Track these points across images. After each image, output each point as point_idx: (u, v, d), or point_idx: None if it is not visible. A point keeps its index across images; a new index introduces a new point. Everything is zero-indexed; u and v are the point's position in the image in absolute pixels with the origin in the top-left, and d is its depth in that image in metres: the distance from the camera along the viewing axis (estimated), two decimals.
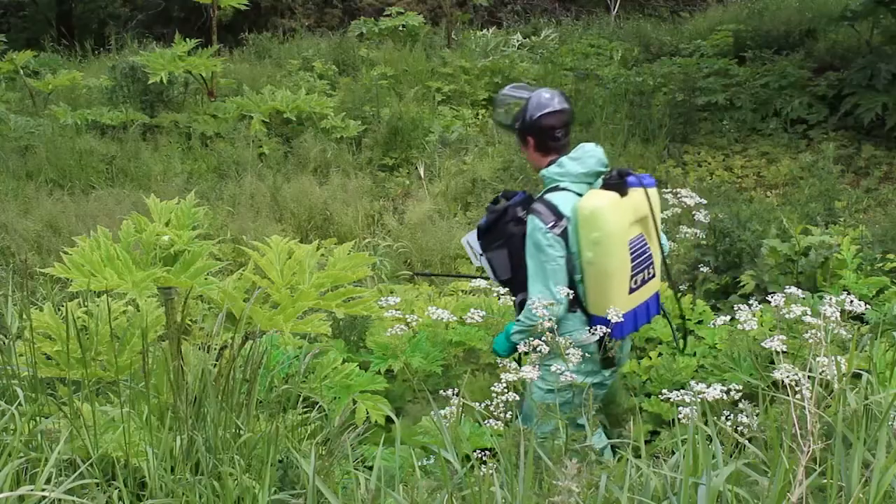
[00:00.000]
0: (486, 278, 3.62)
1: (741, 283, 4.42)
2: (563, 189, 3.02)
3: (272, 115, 8.56)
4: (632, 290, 3.04)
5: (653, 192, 3.11)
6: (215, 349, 2.96)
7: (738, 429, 2.08)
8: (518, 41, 11.99)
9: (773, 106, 8.48)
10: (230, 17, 15.06)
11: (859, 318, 3.76)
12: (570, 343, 2.65)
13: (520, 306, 3.12)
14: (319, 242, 4.45)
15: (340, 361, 3.41)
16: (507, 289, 3.38)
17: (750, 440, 2.02)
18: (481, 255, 3.26)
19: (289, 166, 7.77)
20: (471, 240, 3.36)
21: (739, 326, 2.62)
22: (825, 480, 1.77)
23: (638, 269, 3.03)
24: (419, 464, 2.71)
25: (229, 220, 6.40)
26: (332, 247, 4.47)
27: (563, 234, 2.95)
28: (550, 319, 2.62)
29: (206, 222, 5.89)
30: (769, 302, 2.60)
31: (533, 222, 2.97)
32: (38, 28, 16.07)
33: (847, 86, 8.17)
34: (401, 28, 11.63)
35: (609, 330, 2.86)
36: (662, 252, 3.22)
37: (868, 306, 2.90)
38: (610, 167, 3.08)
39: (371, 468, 2.23)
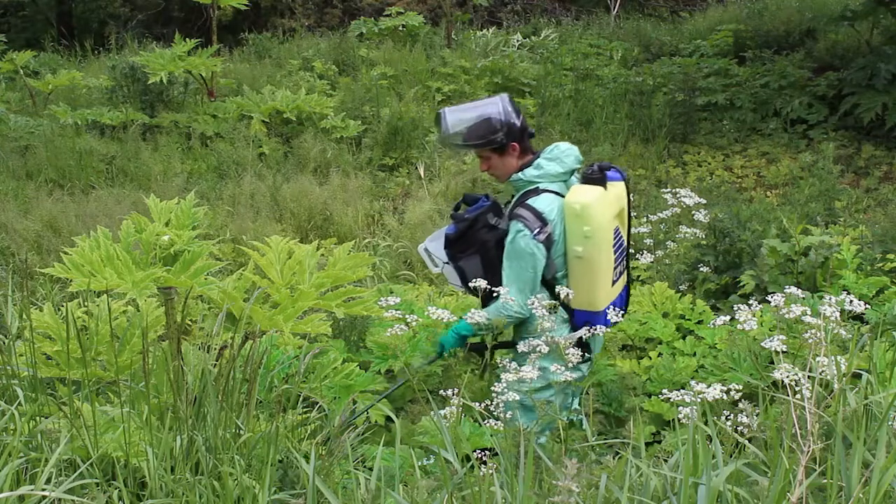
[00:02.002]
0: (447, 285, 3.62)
1: (741, 283, 4.42)
2: (543, 191, 3.05)
3: (272, 115, 8.57)
4: (613, 283, 3.12)
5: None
6: (215, 349, 2.96)
7: (738, 429, 2.08)
8: (518, 41, 11.99)
9: (773, 106, 8.48)
10: (230, 17, 15.07)
11: (859, 318, 3.76)
12: (551, 342, 2.72)
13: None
14: (319, 242, 4.45)
15: (340, 361, 3.41)
16: (474, 295, 3.39)
17: (750, 440, 2.02)
18: (446, 263, 3.25)
19: (289, 166, 7.77)
20: (430, 247, 3.32)
21: (739, 326, 2.62)
22: (825, 480, 1.77)
23: (617, 262, 3.11)
24: (419, 464, 2.71)
25: (229, 220, 6.40)
26: (332, 247, 4.48)
27: (547, 241, 2.99)
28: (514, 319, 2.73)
29: (206, 222, 5.89)
30: (769, 302, 2.60)
31: (517, 228, 2.99)
32: (38, 28, 16.06)
33: (847, 86, 8.17)
34: (401, 28, 11.63)
35: (590, 330, 2.95)
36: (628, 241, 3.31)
37: (868, 306, 2.90)
38: (584, 163, 3.15)
39: (371, 468, 2.23)
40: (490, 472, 1.97)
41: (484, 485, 1.93)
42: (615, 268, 3.10)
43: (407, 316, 3.25)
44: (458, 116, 3.13)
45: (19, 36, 15.46)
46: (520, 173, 3.10)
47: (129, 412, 2.35)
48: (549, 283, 3.07)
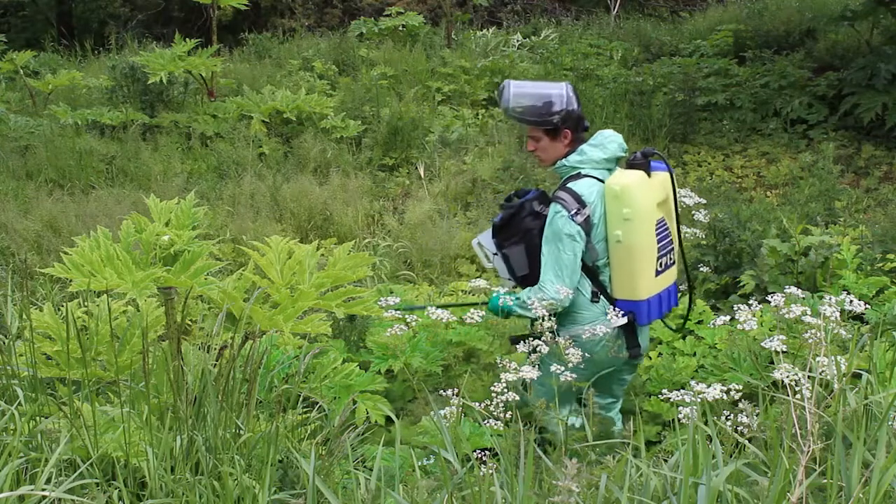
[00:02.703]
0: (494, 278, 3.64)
1: (741, 283, 4.42)
2: (584, 176, 3.06)
3: (272, 115, 8.56)
4: (657, 273, 3.08)
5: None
6: (215, 349, 2.96)
7: (738, 429, 2.08)
8: (518, 41, 11.98)
9: (773, 106, 8.48)
10: (230, 17, 15.06)
11: (859, 318, 3.76)
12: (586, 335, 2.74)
13: None
14: (319, 242, 4.45)
15: (340, 361, 3.41)
16: (521, 285, 3.36)
17: (750, 440, 2.02)
18: (495, 254, 3.28)
19: (289, 166, 7.77)
20: (483, 240, 3.36)
21: (739, 326, 2.62)
22: (825, 480, 1.77)
23: (661, 253, 3.08)
24: (419, 464, 2.71)
25: (229, 220, 6.40)
26: (332, 247, 4.48)
27: (585, 223, 2.99)
28: (551, 316, 2.69)
29: (206, 222, 5.89)
30: (769, 302, 2.60)
31: (555, 209, 3.01)
32: (38, 28, 16.06)
33: (847, 86, 8.17)
34: (401, 28, 11.63)
35: (620, 319, 2.87)
36: (680, 238, 3.27)
37: (868, 306, 2.90)
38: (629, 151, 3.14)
39: (371, 468, 2.22)
40: (490, 472, 1.97)
41: (484, 485, 1.93)
42: (659, 258, 3.06)
43: (407, 316, 3.26)
44: (521, 91, 3.15)
45: (19, 36, 15.46)
46: (563, 159, 3.13)
47: (129, 412, 2.35)
48: (590, 270, 3.07)
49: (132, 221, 2.89)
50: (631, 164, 3.05)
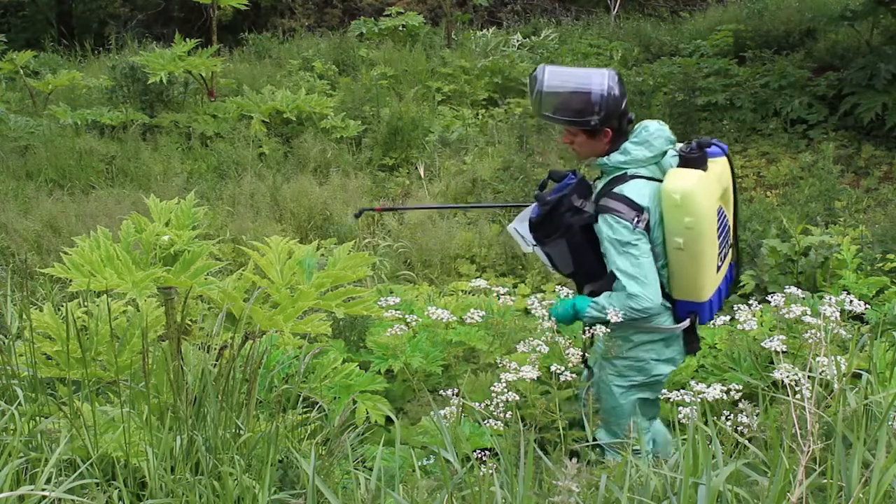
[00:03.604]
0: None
1: (741, 283, 4.42)
2: (632, 177, 2.78)
3: (272, 115, 8.56)
4: (718, 268, 2.88)
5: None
6: (215, 349, 2.96)
7: (738, 429, 2.08)
8: (518, 41, 11.98)
9: (773, 106, 8.48)
10: (230, 17, 15.07)
11: (859, 318, 3.76)
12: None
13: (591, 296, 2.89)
14: (319, 242, 4.45)
15: (340, 361, 3.41)
16: (568, 277, 3.09)
17: (750, 440, 2.02)
18: (535, 245, 3.01)
19: (288, 166, 7.77)
20: (519, 229, 3.06)
21: (739, 326, 2.62)
22: (825, 480, 1.77)
23: (721, 247, 2.85)
24: (419, 464, 2.71)
25: (229, 220, 6.40)
26: (331, 247, 4.47)
27: (646, 227, 2.73)
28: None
29: (206, 222, 5.89)
30: (769, 302, 2.60)
31: (611, 222, 2.72)
32: (38, 28, 16.06)
33: (847, 86, 8.17)
34: (401, 28, 11.63)
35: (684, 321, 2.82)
36: (736, 220, 3.03)
37: (868, 306, 2.90)
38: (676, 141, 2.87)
39: (371, 468, 2.22)
40: (490, 472, 1.97)
41: (484, 485, 1.93)
42: (720, 253, 2.83)
43: (407, 316, 3.25)
44: (557, 79, 2.77)
45: (19, 36, 15.46)
46: (605, 158, 2.82)
47: (129, 412, 2.35)
48: None
49: (132, 221, 2.89)
50: (686, 160, 2.71)
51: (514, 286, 5.30)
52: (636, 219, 2.70)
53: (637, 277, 2.72)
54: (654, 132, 2.80)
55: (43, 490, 1.93)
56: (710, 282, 2.83)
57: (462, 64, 10.17)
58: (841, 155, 7.60)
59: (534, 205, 3.02)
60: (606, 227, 2.74)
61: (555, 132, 8.15)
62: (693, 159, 2.69)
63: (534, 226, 2.94)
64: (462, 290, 4.78)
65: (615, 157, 2.80)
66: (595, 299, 2.82)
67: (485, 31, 12.50)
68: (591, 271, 2.88)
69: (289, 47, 12.12)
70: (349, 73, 10.51)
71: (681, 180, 2.67)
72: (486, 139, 8.35)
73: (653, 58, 10.93)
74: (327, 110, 8.64)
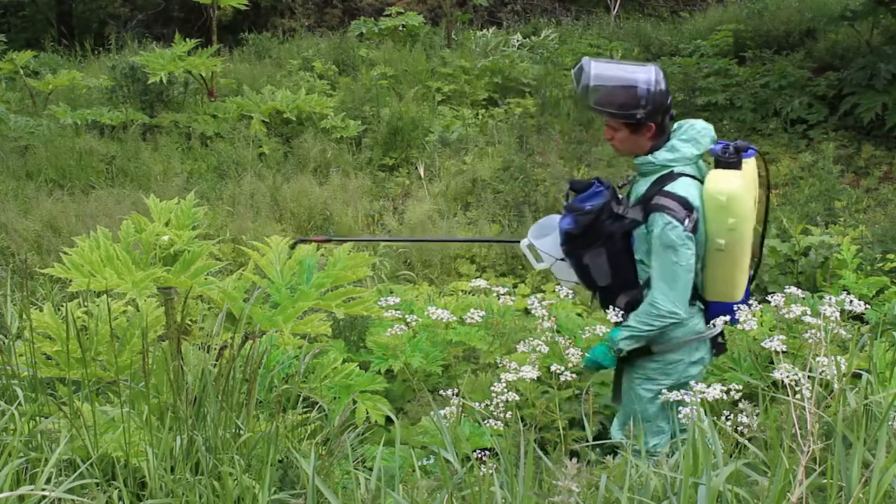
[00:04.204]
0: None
1: None
2: (679, 175, 2.76)
3: (272, 115, 8.56)
4: (750, 268, 2.91)
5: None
6: (215, 349, 2.96)
7: (738, 429, 2.08)
8: (518, 41, 11.98)
9: (773, 106, 8.48)
10: (230, 17, 15.06)
11: (859, 318, 3.77)
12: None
13: (625, 309, 2.87)
14: None
15: (340, 361, 3.41)
16: (591, 290, 3.00)
17: (750, 440, 2.02)
18: (559, 259, 2.98)
19: (288, 166, 7.77)
20: (538, 244, 3.00)
21: (739, 326, 2.62)
22: (825, 480, 1.77)
23: (753, 247, 2.88)
24: (419, 464, 2.71)
25: (229, 220, 6.40)
26: (331, 247, 4.47)
27: (694, 228, 2.72)
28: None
29: (206, 222, 5.89)
30: (769, 302, 2.60)
31: (664, 219, 2.69)
32: (38, 28, 16.06)
33: (847, 85, 8.17)
34: (401, 28, 11.63)
35: (724, 319, 2.79)
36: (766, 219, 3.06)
37: (868, 306, 2.90)
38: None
39: (371, 468, 2.22)
40: (490, 472, 1.97)
41: (484, 485, 1.93)
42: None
43: (407, 316, 3.25)
44: (603, 73, 2.75)
45: (19, 36, 15.46)
46: (650, 156, 2.79)
47: (129, 412, 2.35)
48: None
49: (132, 221, 2.89)
50: (725, 163, 2.70)
51: (514, 286, 5.30)
52: (687, 218, 2.69)
53: (667, 281, 2.71)
54: (700, 130, 2.80)
55: (43, 490, 1.93)
56: (743, 282, 2.84)
57: (462, 64, 10.17)
58: (841, 155, 7.60)
59: (547, 218, 3.00)
60: (656, 227, 2.71)
61: (555, 132, 8.16)
62: (731, 162, 2.70)
63: (571, 237, 2.85)
64: (462, 290, 4.78)
65: (663, 155, 2.77)
66: (624, 325, 2.82)
67: (485, 31, 12.50)
68: (628, 280, 2.86)
69: (289, 47, 12.12)
70: (349, 73, 10.51)
71: (725, 182, 2.68)
72: (486, 139, 8.35)
73: (653, 58, 10.93)
74: (327, 110, 8.64)
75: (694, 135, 2.79)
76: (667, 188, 2.73)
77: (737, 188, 2.67)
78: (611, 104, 2.75)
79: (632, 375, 2.96)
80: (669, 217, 2.68)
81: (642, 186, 2.84)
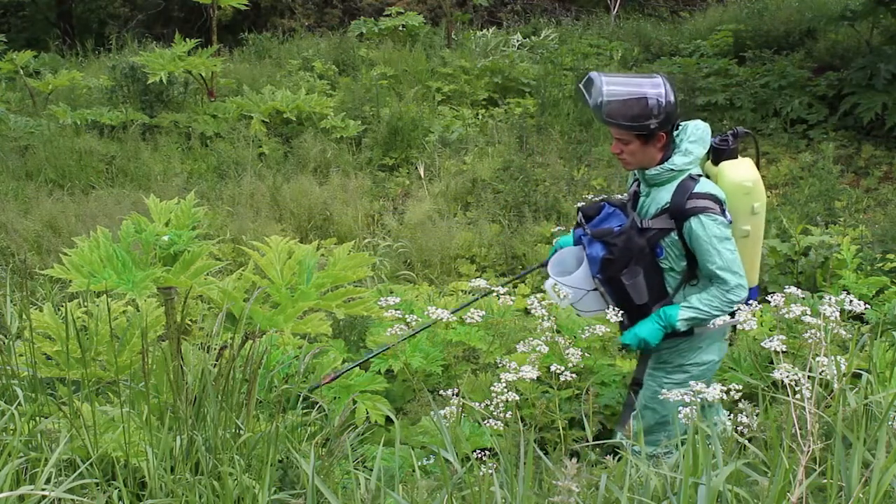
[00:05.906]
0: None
1: None
2: (697, 175, 2.84)
3: (272, 115, 8.56)
4: None
5: None
6: (215, 349, 2.96)
7: (738, 429, 2.08)
8: (518, 41, 11.98)
9: (773, 106, 8.48)
10: (230, 17, 15.07)
11: (859, 318, 3.77)
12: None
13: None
14: (319, 242, 4.45)
15: (340, 361, 3.41)
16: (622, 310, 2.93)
17: (750, 440, 2.02)
18: (592, 290, 2.95)
19: (288, 166, 7.77)
20: (565, 281, 2.94)
21: (739, 326, 2.62)
22: (825, 480, 1.77)
23: None
24: (419, 464, 2.71)
25: (229, 220, 6.40)
26: (332, 247, 4.48)
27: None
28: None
29: (206, 222, 5.89)
30: (769, 302, 2.60)
31: (710, 218, 2.75)
32: (38, 28, 16.07)
33: (847, 85, 8.17)
34: (401, 28, 11.63)
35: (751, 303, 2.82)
36: None
37: (868, 306, 2.90)
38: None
39: (371, 468, 2.22)
40: (490, 472, 1.97)
41: (484, 485, 1.93)
42: None
43: (407, 316, 3.24)
44: (613, 87, 2.78)
45: (19, 36, 15.47)
46: (667, 164, 2.82)
47: (129, 412, 2.35)
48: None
49: (132, 221, 2.89)
50: (729, 152, 2.84)
51: (514, 286, 5.30)
52: (723, 211, 2.78)
53: (736, 270, 2.76)
54: (703, 129, 2.87)
55: (43, 490, 1.93)
56: (759, 265, 2.97)
57: (462, 64, 10.17)
58: (841, 155, 7.60)
59: (558, 257, 3.04)
60: (702, 228, 2.75)
61: (555, 132, 8.16)
62: (735, 151, 2.85)
63: (609, 262, 2.85)
64: (462, 290, 4.78)
65: (680, 161, 2.81)
66: (684, 302, 2.83)
67: (485, 31, 12.50)
68: (661, 291, 2.90)
69: (289, 47, 12.12)
70: (349, 73, 10.51)
71: (745, 170, 2.85)
72: (486, 139, 8.35)
73: (653, 58, 10.94)
74: (327, 110, 8.64)
75: (700, 135, 2.85)
76: (696, 190, 2.79)
77: (755, 174, 2.82)
78: (624, 116, 2.78)
79: (661, 382, 2.98)
80: (711, 215, 2.75)
81: (664, 195, 2.85)
